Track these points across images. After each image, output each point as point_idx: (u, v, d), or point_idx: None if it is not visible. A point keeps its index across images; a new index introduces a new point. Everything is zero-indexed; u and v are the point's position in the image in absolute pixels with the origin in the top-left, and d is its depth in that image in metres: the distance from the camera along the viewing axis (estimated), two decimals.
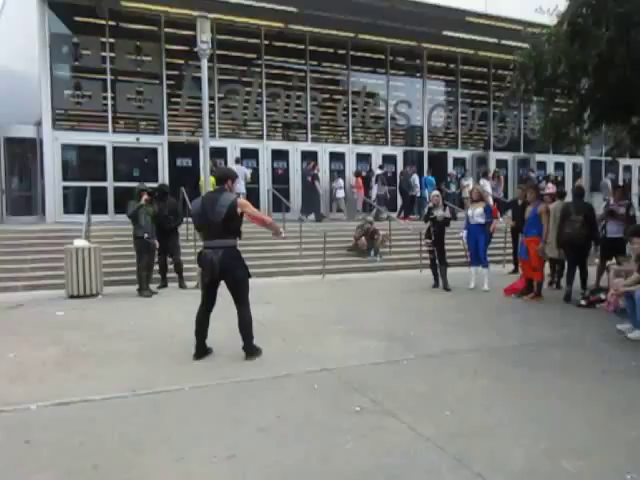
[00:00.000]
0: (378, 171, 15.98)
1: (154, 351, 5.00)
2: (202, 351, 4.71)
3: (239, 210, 4.58)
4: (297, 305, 7.52)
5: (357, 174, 15.78)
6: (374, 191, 15.59)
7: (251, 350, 4.68)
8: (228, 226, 4.55)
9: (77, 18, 13.91)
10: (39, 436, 3.15)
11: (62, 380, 4.19)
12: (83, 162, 14.16)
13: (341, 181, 15.58)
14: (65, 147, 13.58)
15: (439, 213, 8.71)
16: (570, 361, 4.70)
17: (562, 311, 6.94)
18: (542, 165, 19.18)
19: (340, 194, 15.52)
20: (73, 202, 13.44)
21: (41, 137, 13.38)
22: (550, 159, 19.31)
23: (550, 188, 14.66)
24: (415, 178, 15.96)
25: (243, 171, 13.77)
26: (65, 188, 13.55)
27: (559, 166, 19.62)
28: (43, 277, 9.21)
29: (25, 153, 14.18)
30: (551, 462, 2.83)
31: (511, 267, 10.47)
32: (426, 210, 9.18)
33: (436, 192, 9.43)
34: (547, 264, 8.27)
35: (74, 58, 13.97)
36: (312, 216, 14.59)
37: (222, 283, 4.69)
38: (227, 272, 4.57)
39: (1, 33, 18.68)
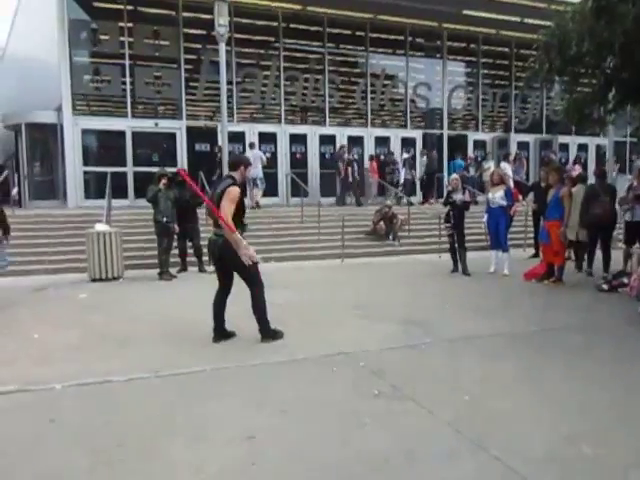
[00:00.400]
0: (405, 155, 15.84)
1: (175, 333, 5.07)
2: (221, 334, 4.76)
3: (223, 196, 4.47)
4: (315, 289, 7.53)
5: (371, 158, 15.66)
6: (402, 175, 15.44)
7: (266, 333, 4.70)
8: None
9: (95, 3, 13.93)
10: (63, 415, 3.23)
11: (85, 361, 4.28)
12: (103, 147, 14.30)
13: (355, 165, 15.43)
14: (85, 132, 13.70)
15: (458, 197, 8.60)
16: (591, 345, 4.64)
17: (584, 296, 6.84)
18: (565, 147, 18.77)
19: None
20: (94, 187, 13.61)
21: (61, 122, 13.51)
22: (573, 141, 18.88)
23: (576, 170, 14.40)
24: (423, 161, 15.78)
25: (259, 155, 13.75)
26: (86, 173, 13.71)
27: (582, 148, 19.16)
28: (66, 261, 9.37)
29: (46, 138, 14.35)
30: (571, 447, 2.81)
31: (532, 251, 10.32)
32: (445, 194, 9.08)
33: (455, 175, 9.31)
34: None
35: (93, 43, 14.03)
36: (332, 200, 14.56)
37: None
38: (226, 259, 4.58)
39: (22, 20, 18.87)
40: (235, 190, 4.51)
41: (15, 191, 14.50)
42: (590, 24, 6.30)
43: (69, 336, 5.00)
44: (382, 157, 16.01)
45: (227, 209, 4.43)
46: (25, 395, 3.58)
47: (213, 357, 4.35)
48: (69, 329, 5.26)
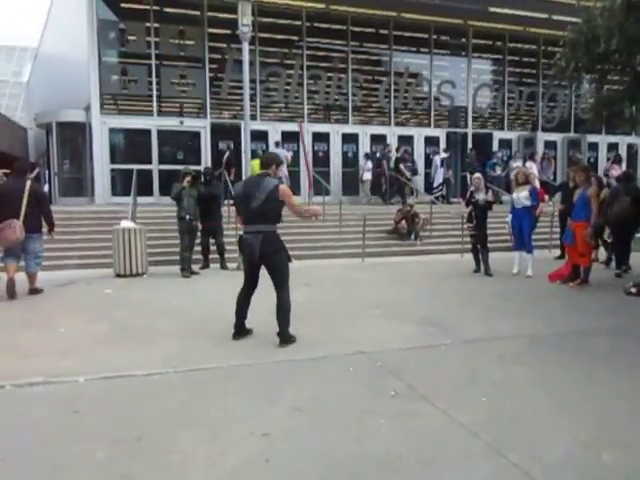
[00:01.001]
0: (443, 154, 15.75)
1: (195, 329, 5.14)
2: (241, 331, 4.80)
3: (280, 197, 4.57)
4: (335, 288, 7.55)
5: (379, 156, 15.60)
6: (440, 175, 15.33)
7: (286, 337, 4.61)
8: (268, 211, 4.54)
9: (123, 4, 14.19)
10: (86, 407, 3.32)
11: (108, 355, 4.39)
12: (129, 145, 14.59)
13: (370, 163, 15.36)
14: (112, 131, 14.00)
15: (481, 196, 8.51)
16: (616, 350, 4.54)
17: (610, 299, 6.69)
18: (594, 146, 18.37)
19: (367, 176, 15.27)
20: (120, 184, 13.89)
21: (90, 121, 13.84)
22: (603, 140, 18.47)
23: (615, 169, 14.04)
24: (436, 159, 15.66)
25: (284, 154, 13.83)
26: (112, 170, 14.01)
27: (612, 147, 18.71)
28: (92, 256, 9.59)
29: (75, 137, 14.71)
30: (590, 453, 2.76)
31: (558, 252, 10.14)
32: (468, 194, 8.99)
33: (477, 175, 9.19)
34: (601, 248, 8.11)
35: (121, 44, 14.32)
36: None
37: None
38: (267, 257, 4.56)
39: (54, 21, 19.35)
40: (287, 190, 4.79)
41: (46, 188, 14.91)
42: (619, 20, 6.14)
43: (94, 330, 5.13)
44: (406, 155, 15.90)
45: (296, 207, 4.79)
46: (50, 387, 3.69)
47: (231, 354, 4.40)
48: (94, 323, 5.39)
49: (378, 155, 15.48)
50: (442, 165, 15.42)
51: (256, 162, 13.39)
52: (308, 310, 5.78)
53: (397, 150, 15.32)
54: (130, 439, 2.90)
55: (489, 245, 8.73)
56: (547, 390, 3.61)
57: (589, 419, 3.17)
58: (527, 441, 2.88)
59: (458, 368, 4.08)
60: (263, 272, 4.73)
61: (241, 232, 4.86)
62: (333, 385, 3.73)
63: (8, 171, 18.18)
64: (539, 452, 2.76)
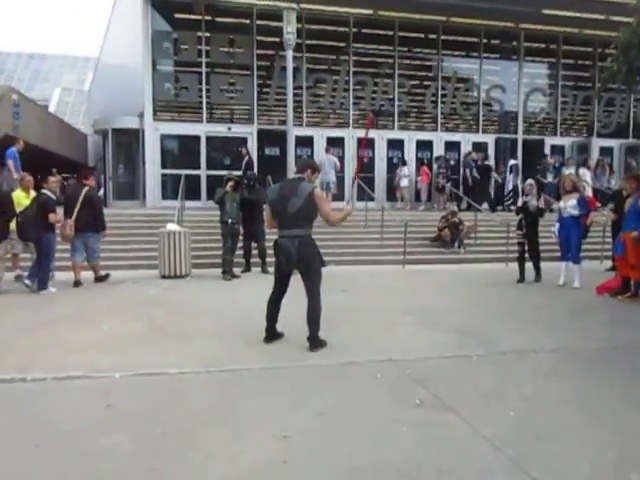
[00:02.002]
0: (512, 161, 15.50)
1: (230, 331, 5.27)
2: (271, 335, 4.87)
3: (316, 201, 4.61)
4: (373, 294, 7.53)
5: (422, 163, 15.45)
6: (509, 182, 15.09)
7: (315, 342, 4.62)
8: (304, 216, 4.58)
9: (176, 15, 14.74)
10: (119, 402, 3.47)
11: (145, 352, 4.57)
12: (179, 151, 15.12)
13: (406, 169, 15.26)
14: (164, 137, 14.55)
15: (532, 203, 8.36)
16: None
17: None
18: None
19: (404, 182, 15.19)
20: (170, 188, 14.39)
21: (143, 128, 14.42)
22: None
23: None
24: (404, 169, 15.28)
25: (333, 160, 13.93)
26: (163, 175, 14.54)
27: None
28: (142, 257, 9.97)
29: (129, 143, 15.37)
30: (618, 474, 2.65)
31: (609, 264, 9.69)
32: (520, 201, 8.87)
33: (530, 181, 9.01)
34: None
35: (173, 53, 14.86)
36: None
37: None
38: (303, 261, 4.60)
39: (113, 32, 20.30)
40: (322, 194, 4.90)
41: (101, 192, 15.64)
42: None
43: (134, 329, 5.35)
44: (452, 162, 15.72)
45: (330, 214, 4.75)
46: (88, 381, 3.88)
47: (262, 356, 4.48)
48: (135, 322, 5.62)
49: (452, 162, 15.66)
50: (511, 172, 15.10)
51: None
52: (342, 315, 5.81)
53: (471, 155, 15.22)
54: (155, 434, 3.02)
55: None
56: (579, 407, 3.48)
57: (620, 439, 3.03)
58: (551, 458, 2.79)
59: (488, 380, 3.99)
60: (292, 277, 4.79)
61: (275, 236, 4.94)
62: (358, 391, 3.74)
63: (68, 175, 19.45)
64: (563, 470, 2.68)
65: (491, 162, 15.93)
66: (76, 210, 7.69)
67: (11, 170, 11.49)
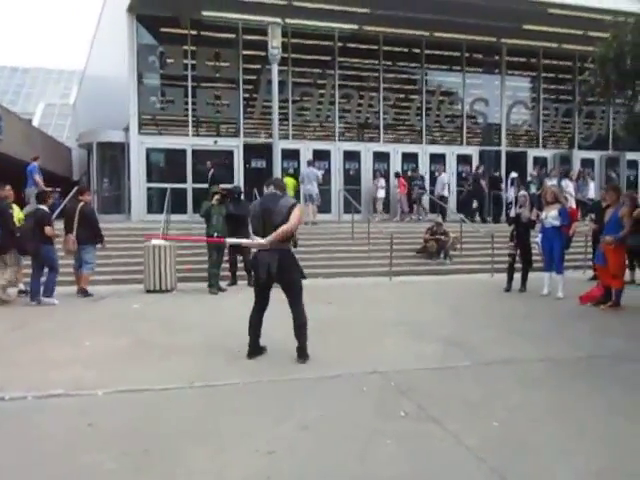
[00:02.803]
0: (513, 174, 15.73)
1: (214, 346, 5.23)
2: (255, 350, 4.81)
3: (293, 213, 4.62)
4: (359, 306, 7.53)
5: (397, 174, 15.53)
6: (510, 194, 15.24)
7: (305, 353, 4.66)
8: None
9: (162, 29, 14.78)
10: (101, 420, 3.42)
11: (129, 369, 4.51)
12: (165, 164, 15.08)
13: (382, 180, 15.31)
14: (149, 150, 14.50)
15: (525, 214, 8.58)
16: None
17: None
18: (633, 164, 17.80)
19: (380, 194, 15.19)
20: (156, 202, 14.30)
21: (128, 141, 14.37)
22: None
23: None
24: (443, 177, 15.44)
25: (315, 173, 13.98)
26: (149, 189, 14.45)
27: None
28: (126, 272, 9.87)
29: (114, 156, 15.31)
30: None
31: (591, 273, 9.81)
32: (513, 212, 9.12)
33: (523, 192, 9.36)
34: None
35: (159, 66, 14.87)
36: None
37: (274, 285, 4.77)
38: (283, 274, 4.61)
39: (98, 45, 20.30)
40: (301, 206, 4.79)
41: None
42: None
43: (117, 345, 5.28)
44: (436, 174, 15.87)
45: (296, 225, 4.70)
46: (69, 399, 3.82)
47: (247, 371, 4.45)
48: (118, 338, 5.55)
49: (464, 175, 16.09)
50: (512, 184, 15.31)
51: (290, 180, 13.60)
52: (328, 328, 5.80)
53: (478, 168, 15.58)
54: (139, 452, 2.98)
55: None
56: (563, 417, 3.51)
57: (604, 449, 3.06)
58: (534, 468, 2.81)
59: (473, 390, 4.01)
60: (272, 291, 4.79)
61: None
62: (343, 404, 3.73)
63: (59, 189, 19.59)
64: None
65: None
66: (75, 225, 8.15)
67: (39, 184, 12.54)
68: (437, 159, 16.43)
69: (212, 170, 13.59)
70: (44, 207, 7.95)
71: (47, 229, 7.62)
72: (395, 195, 15.51)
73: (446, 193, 15.16)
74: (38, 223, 7.63)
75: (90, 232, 8.24)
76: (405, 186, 15.23)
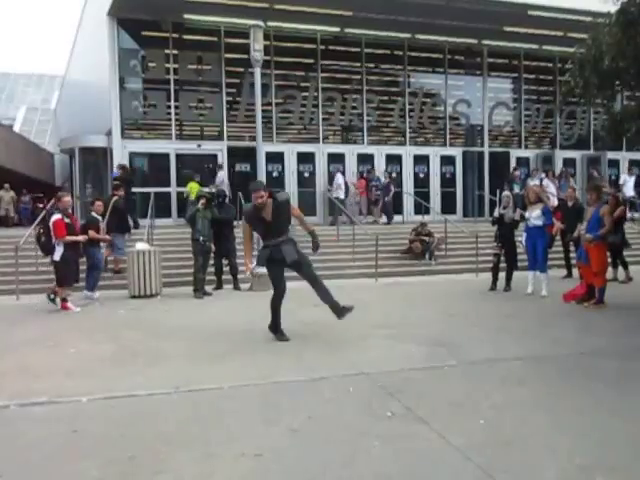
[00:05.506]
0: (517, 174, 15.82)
1: (200, 350, 5.20)
2: (282, 331, 5.53)
3: (290, 208, 5.55)
4: None
5: (360, 176, 15.49)
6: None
7: (340, 310, 5.51)
8: (287, 222, 5.53)
9: (144, 33, 14.66)
10: (85, 427, 3.38)
11: (113, 375, 4.46)
12: (149, 169, 14.94)
13: (340, 177, 14.65)
14: (132, 155, 14.36)
15: (508, 215, 8.63)
16: (627, 373, 4.41)
17: (626, 319, 6.53)
18: (614, 163, 18.08)
19: (338, 194, 14.33)
20: (140, 207, 14.15)
21: (111, 146, 14.22)
22: (624, 157, 18.17)
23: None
24: (338, 178, 14.61)
25: (222, 177, 13.84)
26: (133, 194, 14.27)
27: (635, 164, 18.37)
28: (111, 277, 9.78)
29: (97, 161, 15.14)
30: (585, 478, 2.70)
31: (564, 272, 10.03)
32: (496, 212, 9.14)
33: (507, 193, 9.40)
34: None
35: (141, 70, 14.75)
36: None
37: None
38: (300, 258, 5.49)
39: (79, 50, 20.10)
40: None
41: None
42: (619, 38, 6.10)
43: (102, 351, 5.22)
44: (421, 175, 15.97)
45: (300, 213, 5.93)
46: (54, 406, 3.77)
47: (233, 374, 4.43)
48: (103, 344, 5.50)
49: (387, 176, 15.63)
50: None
51: (194, 185, 13.30)
52: (314, 330, 5.82)
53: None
54: (124, 458, 2.95)
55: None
56: (549, 413, 3.54)
57: (589, 443, 3.10)
58: (520, 464, 2.84)
59: (459, 390, 4.03)
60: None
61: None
62: (331, 406, 3.73)
63: (42, 195, 19.31)
64: (531, 475, 2.72)
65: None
66: (107, 216, 9.11)
67: None
68: (421, 160, 16.54)
69: (119, 173, 12.56)
70: (94, 213, 8.80)
71: (90, 233, 8.36)
72: (354, 197, 15.32)
73: (341, 195, 14.34)
74: (86, 227, 8.60)
75: (117, 221, 9.56)
76: (364, 189, 15.11)
